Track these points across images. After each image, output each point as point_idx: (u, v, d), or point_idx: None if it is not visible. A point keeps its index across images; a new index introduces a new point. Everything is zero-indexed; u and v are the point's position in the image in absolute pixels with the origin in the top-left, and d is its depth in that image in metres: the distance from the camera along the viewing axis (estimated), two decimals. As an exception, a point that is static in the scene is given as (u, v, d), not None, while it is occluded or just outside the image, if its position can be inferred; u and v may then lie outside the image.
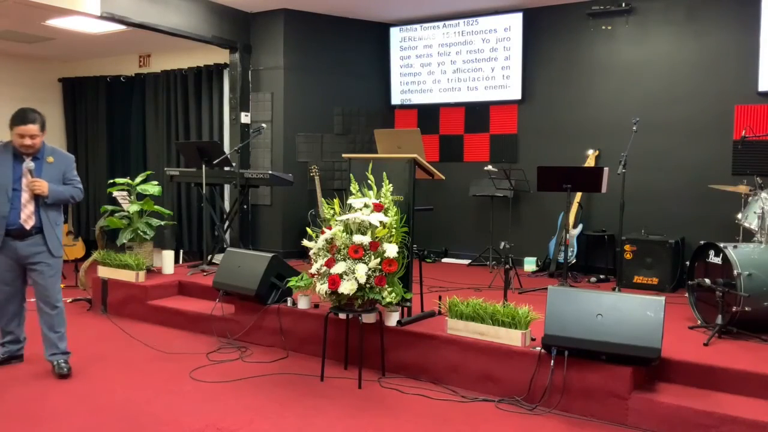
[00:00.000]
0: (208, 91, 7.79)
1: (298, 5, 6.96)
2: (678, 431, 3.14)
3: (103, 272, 5.63)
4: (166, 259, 5.92)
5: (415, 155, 4.13)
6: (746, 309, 3.81)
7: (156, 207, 5.96)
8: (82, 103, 8.88)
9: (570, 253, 6.12)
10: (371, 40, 7.53)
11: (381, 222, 3.74)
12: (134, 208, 5.87)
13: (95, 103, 8.79)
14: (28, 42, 7.52)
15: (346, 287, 3.64)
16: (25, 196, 3.79)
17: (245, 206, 7.01)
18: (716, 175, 5.72)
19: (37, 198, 3.80)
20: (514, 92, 6.88)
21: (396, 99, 7.61)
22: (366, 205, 3.84)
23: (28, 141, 3.75)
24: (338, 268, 3.69)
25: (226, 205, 7.49)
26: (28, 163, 3.78)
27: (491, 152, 7.09)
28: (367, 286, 3.66)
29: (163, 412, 3.35)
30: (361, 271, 3.63)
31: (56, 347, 3.96)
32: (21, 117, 3.75)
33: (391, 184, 3.97)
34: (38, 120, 3.78)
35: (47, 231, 3.84)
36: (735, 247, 4.00)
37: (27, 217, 3.79)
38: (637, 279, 5.53)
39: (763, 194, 4.54)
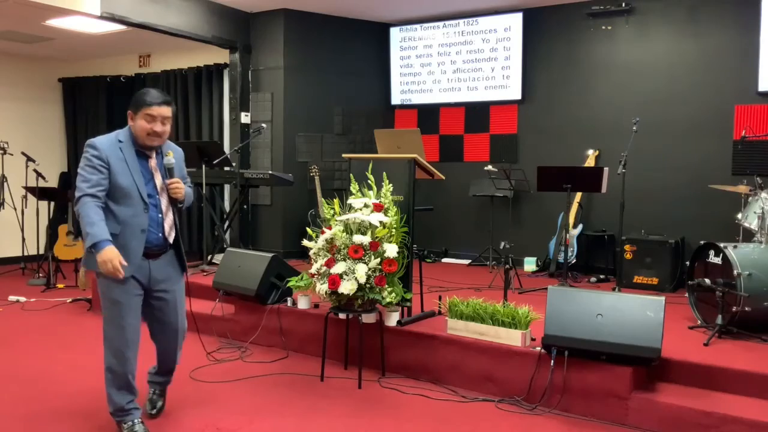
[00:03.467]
0: (208, 91, 7.79)
1: (298, 5, 6.96)
2: (678, 431, 3.14)
3: (103, 272, 5.62)
4: (166, 259, 5.91)
5: (415, 155, 4.12)
6: (746, 309, 3.81)
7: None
8: (82, 103, 8.87)
9: (570, 253, 6.11)
10: (371, 40, 7.53)
11: (381, 222, 3.74)
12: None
13: (95, 103, 8.78)
14: (28, 42, 7.51)
15: (346, 287, 3.64)
16: (163, 201, 2.95)
17: (245, 206, 7.01)
18: (716, 175, 5.72)
19: (173, 203, 3.00)
20: (514, 92, 6.88)
21: (396, 99, 7.61)
22: (366, 205, 3.84)
23: (159, 126, 2.87)
24: (338, 268, 3.68)
25: (226, 205, 7.49)
26: (169, 159, 2.96)
27: (491, 152, 7.09)
28: (367, 286, 3.66)
29: (163, 412, 3.35)
30: (361, 271, 3.63)
31: (163, 386, 3.34)
32: (152, 94, 2.86)
33: (391, 184, 3.96)
34: (172, 102, 2.94)
35: (182, 244, 3.09)
36: (735, 247, 4.00)
37: (170, 228, 2.98)
38: (637, 279, 5.53)
39: (763, 194, 4.54)
